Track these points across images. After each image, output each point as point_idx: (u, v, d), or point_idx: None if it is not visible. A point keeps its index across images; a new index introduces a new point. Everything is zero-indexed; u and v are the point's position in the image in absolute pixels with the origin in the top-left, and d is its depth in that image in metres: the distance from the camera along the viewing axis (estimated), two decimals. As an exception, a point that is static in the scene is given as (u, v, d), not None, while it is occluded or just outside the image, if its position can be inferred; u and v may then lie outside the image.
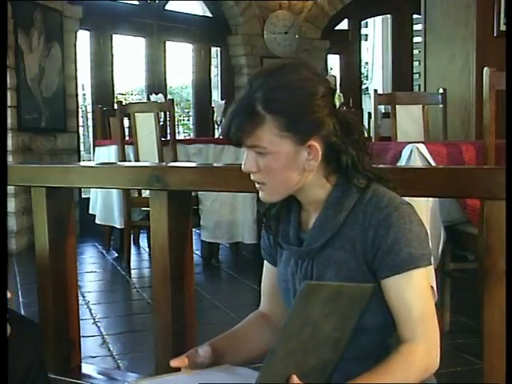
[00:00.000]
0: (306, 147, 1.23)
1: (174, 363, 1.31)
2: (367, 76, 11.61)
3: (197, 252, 4.66)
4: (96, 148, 5.22)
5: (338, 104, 1.28)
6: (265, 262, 1.47)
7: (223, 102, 5.34)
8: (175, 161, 4.23)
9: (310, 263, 1.30)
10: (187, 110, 10.01)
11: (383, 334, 1.26)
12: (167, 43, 7.17)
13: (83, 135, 8.49)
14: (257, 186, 1.30)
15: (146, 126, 4.37)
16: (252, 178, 1.29)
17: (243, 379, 1.26)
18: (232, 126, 1.23)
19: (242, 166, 1.28)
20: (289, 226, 1.34)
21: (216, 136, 5.55)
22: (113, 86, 6.80)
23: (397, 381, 1.16)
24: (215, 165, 1.99)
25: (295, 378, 1.08)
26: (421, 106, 3.90)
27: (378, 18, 9.36)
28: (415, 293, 1.21)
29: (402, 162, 2.52)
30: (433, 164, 2.49)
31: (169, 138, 4.48)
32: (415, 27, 8.14)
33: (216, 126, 5.33)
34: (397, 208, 1.23)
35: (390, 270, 1.21)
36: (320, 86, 1.24)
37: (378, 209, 1.23)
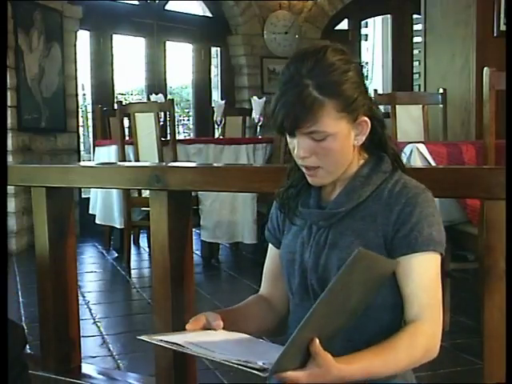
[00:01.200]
0: (357, 124, 1.27)
1: (190, 326, 1.28)
2: (367, 76, 11.61)
3: (197, 252, 4.66)
4: (96, 148, 5.22)
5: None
6: (269, 246, 1.48)
7: (223, 101, 5.34)
8: (175, 161, 4.23)
9: (326, 231, 1.31)
10: (187, 110, 10.01)
11: (390, 314, 1.27)
12: (167, 43, 7.17)
13: (83, 135, 8.48)
14: (308, 172, 1.30)
15: (146, 125, 4.37)
16: (303, 163, 1.29)
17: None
18: (290, 116, 1.23)
19: (296, 152, 1.28)
20: (309, 198, 1.36)
21: (216, 136, 5.54)
22: (113, 86, 6.80)
23: (399, 357, 1.17)
24: (215, 165, 1.98)
25: (317, 342, 1.08)
26: (421, 106, 3.90)
27: (378, 18, 9.36)
28: (428, 275, 1.24)
29: (402, 162, 2.51)
30: (433, 164, 2.49)
31: (169, 138, 4.48)
32: (415, 27, 8.14)
33: (216, 126, 5.33)
34: (423, 191, 1.29)
35: (410, 247, 1.23)
36: (355, 65, 1.28)
37: (406, 188, 1.28)
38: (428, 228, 1.24)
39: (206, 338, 1.21)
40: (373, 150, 1.34)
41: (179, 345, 1.16)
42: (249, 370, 1.06)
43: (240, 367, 1.06)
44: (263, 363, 1.06)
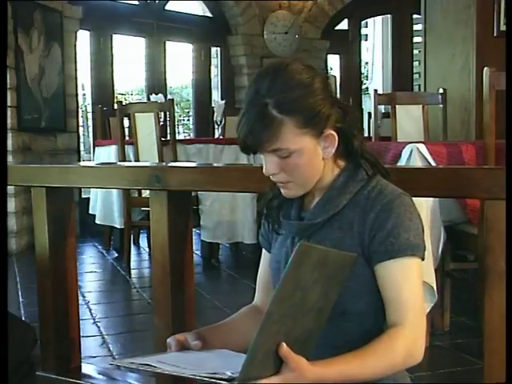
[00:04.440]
0: (323, 137, 1.27)
1: (168, 348, 1.29)
2: (367, 76, 11.62)
3: (197, 252, 4.67)
4: (96, 148, 5.22)
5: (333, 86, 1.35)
6: (263, 252, 1.48)
7: (223, 102, 5.35)
8: (175, 161, 4.23)
9: (306, 241, 1.30)
10: (187, 110, 10.02)
11: (373, 320, 1.27)
12: (167, 43, 7.18)
13: (83, 135, 8.50)
14: (280, 185, 1.32)
15: (145, 126, 4.37)
16: (274, 179, 1.31)
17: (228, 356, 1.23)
18: (250, 136, 1.24)
19: (264, 170, 1.30)
20: (291, 208, 1.37)
21: (216, 136, 5.55)
22: (113, 85, 6.80)
23: (378, 360, 1.16)
24: (215, 165, 1.98)
25: (285, 346, 1.07)
26: (421, 106, 3.90)
27: (378, 18, 9.37)
28: (408, 280, 1.23)
29: (402, 162, 2.52)
30: (433, 164, 2.49)
31: (169, 138, 4.48)
32: (415, 27, 8.14)
33: (216, 126, 5.34)
34: (399, 196, 1.28)
35: (388, 253, 1.23)
36: (319, 79, 1.28)
37: (381, 194, 1.27)
38: (404, 233, 1.23)
39: (179, 357, 1.19)
40: (349, 156, 1.33)
41: (149, 365, 1.13)
42: (218, 381, 1.03)
43: (209, 380, 1.03)
44: (232, 373, 1.03)
